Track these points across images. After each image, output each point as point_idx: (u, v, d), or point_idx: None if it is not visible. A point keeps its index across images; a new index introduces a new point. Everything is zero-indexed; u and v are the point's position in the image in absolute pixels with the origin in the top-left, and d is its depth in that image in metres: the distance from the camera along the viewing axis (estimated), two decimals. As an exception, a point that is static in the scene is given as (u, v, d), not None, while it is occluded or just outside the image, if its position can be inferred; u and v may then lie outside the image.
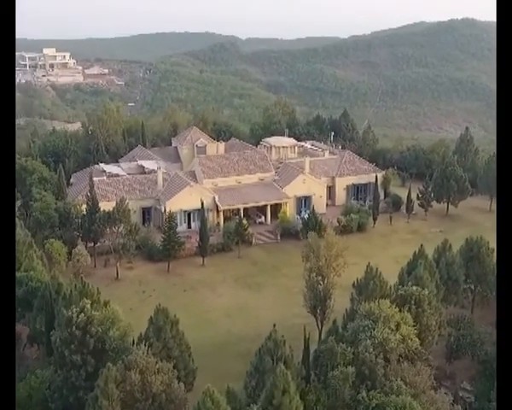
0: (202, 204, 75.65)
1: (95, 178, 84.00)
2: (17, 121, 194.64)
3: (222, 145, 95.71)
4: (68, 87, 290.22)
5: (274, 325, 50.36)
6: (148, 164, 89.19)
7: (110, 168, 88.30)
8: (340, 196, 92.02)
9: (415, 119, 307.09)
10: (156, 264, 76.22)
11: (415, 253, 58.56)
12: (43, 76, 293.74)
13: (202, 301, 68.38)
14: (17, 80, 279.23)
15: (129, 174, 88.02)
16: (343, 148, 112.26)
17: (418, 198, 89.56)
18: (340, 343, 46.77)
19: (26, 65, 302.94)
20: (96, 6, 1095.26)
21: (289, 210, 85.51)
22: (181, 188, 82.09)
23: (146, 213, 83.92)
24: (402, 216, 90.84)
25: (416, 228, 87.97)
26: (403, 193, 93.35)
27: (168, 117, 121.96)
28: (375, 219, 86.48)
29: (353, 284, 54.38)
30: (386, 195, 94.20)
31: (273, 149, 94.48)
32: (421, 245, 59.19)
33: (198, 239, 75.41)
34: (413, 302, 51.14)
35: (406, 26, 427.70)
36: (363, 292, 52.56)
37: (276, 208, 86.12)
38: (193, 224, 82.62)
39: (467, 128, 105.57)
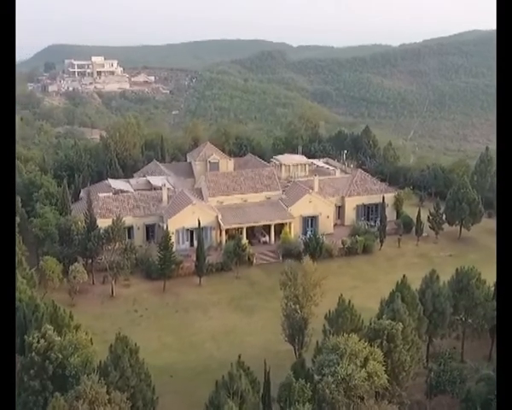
0: (199, 224, 75.40)
1: (100, 194, 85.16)
2: (57, 129, 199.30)
3: (231, 162, 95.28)
4: (114, 95, 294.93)
5: (239, 356, 49.97)
6: (156, 180, 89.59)
7: (118, 184, 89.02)
8: (350, 216, 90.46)
9: (462, 130, 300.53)
10: (153, 282, 76.38)
11: (397, 283, 56.86)
12: (91, 83, 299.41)
13: (191, 323, 68.09)
14: (65, 88, 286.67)
15: (136, 190, 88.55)
16: (363, 164, 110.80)
17: (429, 220, 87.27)
18: (300, 379, 45.82)
19: (74, 72, 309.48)
20: (149, 13, 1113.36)
21: (294, 230, 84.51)
22: (184, 206, 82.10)
23: (150, 230, 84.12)
24: (412, 238, 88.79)
25: (424, 251, 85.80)
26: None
27: (189, 131, 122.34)
28: (381, 242, 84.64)
29: (325, 316, 53.14)
30: (398, 215, 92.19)
31: (283, 166, 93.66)
32: (404, 276, 57.33)
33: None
34: (385, 337, 49.66)
35: (458, 34, 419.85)
36: (333, 324, 51.31)
37: (281, 228, 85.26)
38: (195, 242, 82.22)
39: (487, 148, 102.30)
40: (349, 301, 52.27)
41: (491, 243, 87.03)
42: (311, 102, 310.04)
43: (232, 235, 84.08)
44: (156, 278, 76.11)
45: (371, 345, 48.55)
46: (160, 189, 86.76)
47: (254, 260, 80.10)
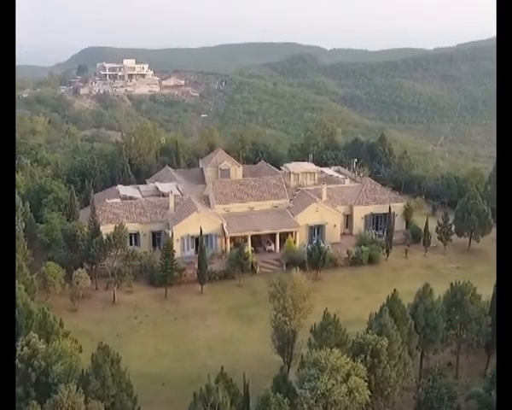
0: (201, 231, 75.81)
1: (108, 201, 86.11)
2: (83, 132, 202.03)
3: (240, 169, 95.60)
4: (144, 98, 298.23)
5: (222, 368, 50.19)
6: (164, 187, 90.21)
7: (126, 190, 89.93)
8: (358, 225, 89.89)
9: (494, 136, 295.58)
10: (156, 289, 76.89)
11: (388, 297, 56.40)
12: (121, 86, 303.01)
13: (189, 331, 68.40)
14: (96, 90, 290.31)
15: (145, 197, 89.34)
16: (377, 173, 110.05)
17: (437, 231, 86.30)
18: (278, 393, 45.81)
19: (106, 75, 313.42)
20: (184, 15, 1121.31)
21: (300, 239, 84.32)
22: (189, 213, 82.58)
23: (156, 236, 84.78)
24: (420, 249, 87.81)
25: (431, 263, 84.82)
26: (431, 223, 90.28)
27: (206, 136, 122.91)
28: (387, 252, 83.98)
29: (311, 329, 52.97)
30: (407, 225, 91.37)
31: (291, 175, 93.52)
32: (395, 290, 56.79)
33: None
34: (369, 352, 49.37)
35: (492, 38, 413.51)
36: (317, 338, 51.14)
37: (288, 236, 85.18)
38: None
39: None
40: (334, 315, 51.95)
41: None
42: (340, 107, 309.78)
43: (238, 243, 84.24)
44: (159, 284, 76.50)
45: (355, 360, 48.44)
46: (168, 195, 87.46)
47: (258, 269, 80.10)
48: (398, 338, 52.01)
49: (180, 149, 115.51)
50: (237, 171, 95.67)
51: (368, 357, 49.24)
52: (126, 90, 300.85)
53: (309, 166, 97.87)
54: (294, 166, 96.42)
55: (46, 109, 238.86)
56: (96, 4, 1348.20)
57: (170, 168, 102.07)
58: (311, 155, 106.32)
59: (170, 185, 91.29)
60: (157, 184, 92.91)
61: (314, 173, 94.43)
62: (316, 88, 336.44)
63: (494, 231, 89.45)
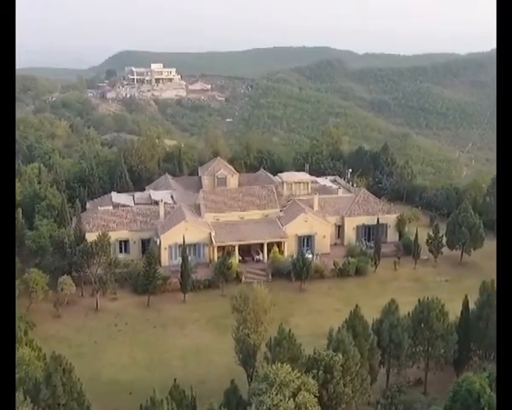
0: (184, 241, 76.68)
1: (100, 208, 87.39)
2: (104, 137, 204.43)
3: (236, 178, 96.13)
4: (170, 102, 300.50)
5: (174, 380, 50.73)
6: (157, 195, 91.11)
7: (120, 198, 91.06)
8: (350, 236, 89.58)
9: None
10: (140, 297, 77.66)
11: (351, 312, 56.30)
12: (148, 91, 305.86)
13: (166, 340, 69.07)
14: (122, 94, 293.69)
15: (138, 204, 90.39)
16: (379, 183, 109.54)
17: (427, 243, 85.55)
18: (222, 407, 46.15)
19: (133, 79, 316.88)
20: (218, 18, 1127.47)
21: (289, 249, 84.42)
22: (178, 222, 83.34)
23: (146, 244, 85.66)
24: (412, 261, 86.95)
25: (420, 275, 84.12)
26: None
27: (210, 144, 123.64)
28: (375, 264, 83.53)
29: (266, 344, 53.12)
30: (400, 237, 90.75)
31: (285, 184, 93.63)
32: (357, 305, 56.65)
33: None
34: (322, 368, 49.39)
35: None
36: (272, 353, 51.30)
37: (278, 246, 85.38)
38: (189, 257, 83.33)
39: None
40: (289, 330, 52.06)
41: (493, 268, 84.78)
42: (365, 112, 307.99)
43: (228, 252, 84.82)
44: (143, 292, 77.45)
45: (307, 375, 48.49)
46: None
47: (243, 279, 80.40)
48: (355, 354, 51.88)
49: (184, 156, 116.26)
50: (234, 179, 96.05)
51: (320, 372, 49.36)
52: (153, 95, 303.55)
53: (302, 175, 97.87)
54: (288, 176, 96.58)
55: (71, 113, 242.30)
56: (134, 9, 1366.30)
57: (169, 176, 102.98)
58: (307, 165, 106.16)
59: (163, 193, 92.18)
60: (151, 192, 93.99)
61: (307, 183, 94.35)
62: (343, 93, 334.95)
63: (486, 244, 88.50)
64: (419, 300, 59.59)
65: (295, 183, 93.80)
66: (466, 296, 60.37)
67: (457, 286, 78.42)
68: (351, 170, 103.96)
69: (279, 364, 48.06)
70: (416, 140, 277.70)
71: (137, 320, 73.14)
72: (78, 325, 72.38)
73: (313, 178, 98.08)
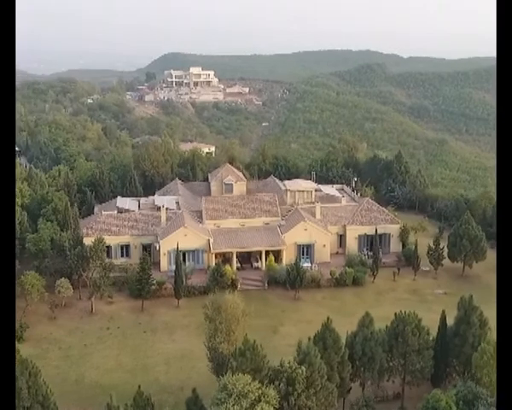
0: (177, 247, 77.58)
1: (104, 212, 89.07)
2: (135, 140, 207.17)
3: (243, 184, 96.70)
4: (207, 105, 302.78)
5: (139, 387, 51.53)
6: (160, 200, 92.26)
7: (125, 203, 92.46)
8: (352, 245, 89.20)
9: None
10: (136, 301, 78.78)
11: (323, 324, 56.22)
12: (186, 94, 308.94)
13: (152, 344, 70.01)
14: (160, 97, 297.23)
15: (144, 210, 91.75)
16: (391, 191, 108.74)
17: (428, 255, 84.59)
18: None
19: (172, 82, 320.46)
20: (263, 22, 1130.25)
21: (288, 257, 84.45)
22: (178, 227, 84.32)
23: (147, 249, 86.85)
24: (412, 272, 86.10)
25: (419, 287, 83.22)
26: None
27: (226, 150, 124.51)
28: (373, 274, 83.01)
29: (232, 354, 53.43)
30: (403, 247, 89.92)
31: (288, 192, 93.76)
32: (328, 318, 56.51)
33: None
34: (284, 380, 49.58)
35: None
36: (236, 363, 51.58)
37: (278, 254, 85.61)
38: (187, 263, 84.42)
39: None
40: (254, 341, 52.25)
41: (495, 281, 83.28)
42: (403, 117, 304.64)
43: (228, 258, 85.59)
44: (140, 297, 78.73)
45: (269, 387, 48.73)
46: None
47: (239, 286, 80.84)
48: (321, 367, 51.83)
49: (199, 161, 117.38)
50: (241, 186, 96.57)
51: (282, 384, 49.56)
52: (190, 98, 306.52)
53: (306, 183, 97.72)
54: (291, 184, 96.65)
55: (107, 116, 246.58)
56: (179, 10, 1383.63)
57: (178, 181, 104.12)
58: (313, 173, 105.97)
59: (168, 199, 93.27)
60: (155, 197, 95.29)
61: (311, 191, 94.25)
62: (382, 97, 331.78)
63: (489, 256, 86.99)
64: (395, 314, 59.13)
65: (299, 191, 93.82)
66: (443, 312, 59.71)
67: (455, 299, 76.91)
68: (356, 179, 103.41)
69: (240, 374, 48.61)
70: (452, 146, 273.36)
71: (129, 324, 74.27)
72: (71, 328, 73.90)
73: (317, 186, 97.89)
